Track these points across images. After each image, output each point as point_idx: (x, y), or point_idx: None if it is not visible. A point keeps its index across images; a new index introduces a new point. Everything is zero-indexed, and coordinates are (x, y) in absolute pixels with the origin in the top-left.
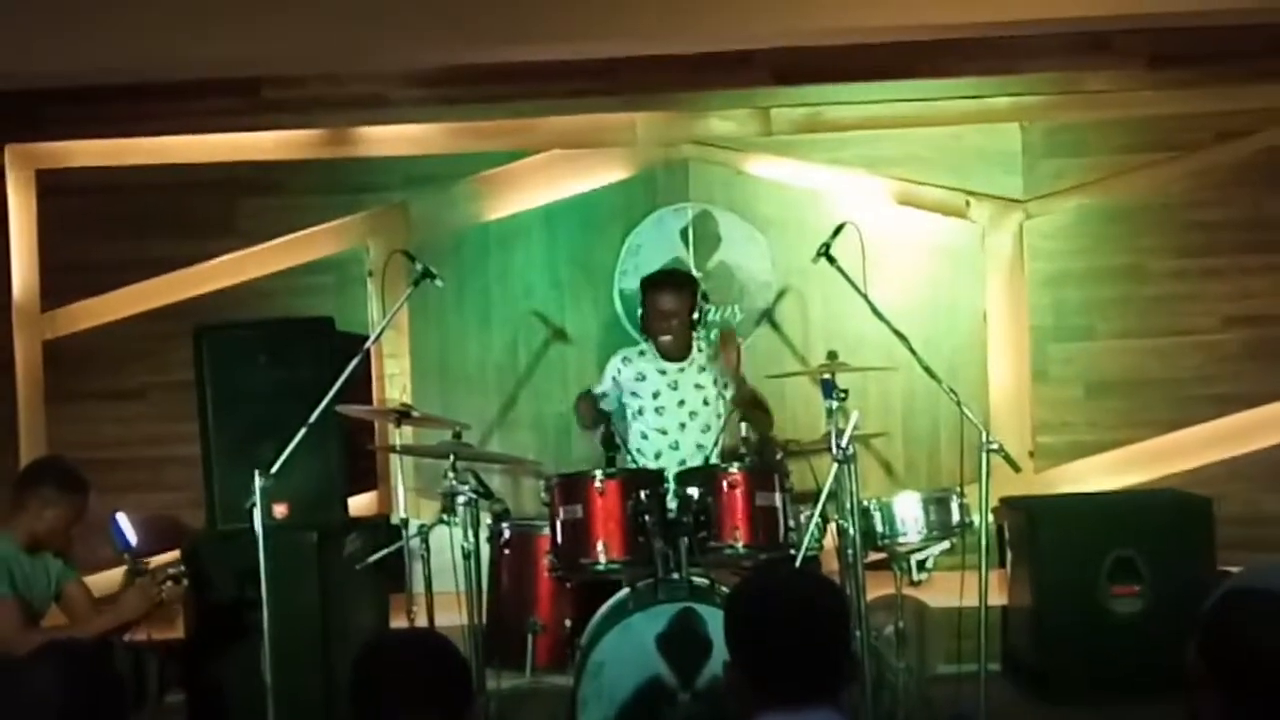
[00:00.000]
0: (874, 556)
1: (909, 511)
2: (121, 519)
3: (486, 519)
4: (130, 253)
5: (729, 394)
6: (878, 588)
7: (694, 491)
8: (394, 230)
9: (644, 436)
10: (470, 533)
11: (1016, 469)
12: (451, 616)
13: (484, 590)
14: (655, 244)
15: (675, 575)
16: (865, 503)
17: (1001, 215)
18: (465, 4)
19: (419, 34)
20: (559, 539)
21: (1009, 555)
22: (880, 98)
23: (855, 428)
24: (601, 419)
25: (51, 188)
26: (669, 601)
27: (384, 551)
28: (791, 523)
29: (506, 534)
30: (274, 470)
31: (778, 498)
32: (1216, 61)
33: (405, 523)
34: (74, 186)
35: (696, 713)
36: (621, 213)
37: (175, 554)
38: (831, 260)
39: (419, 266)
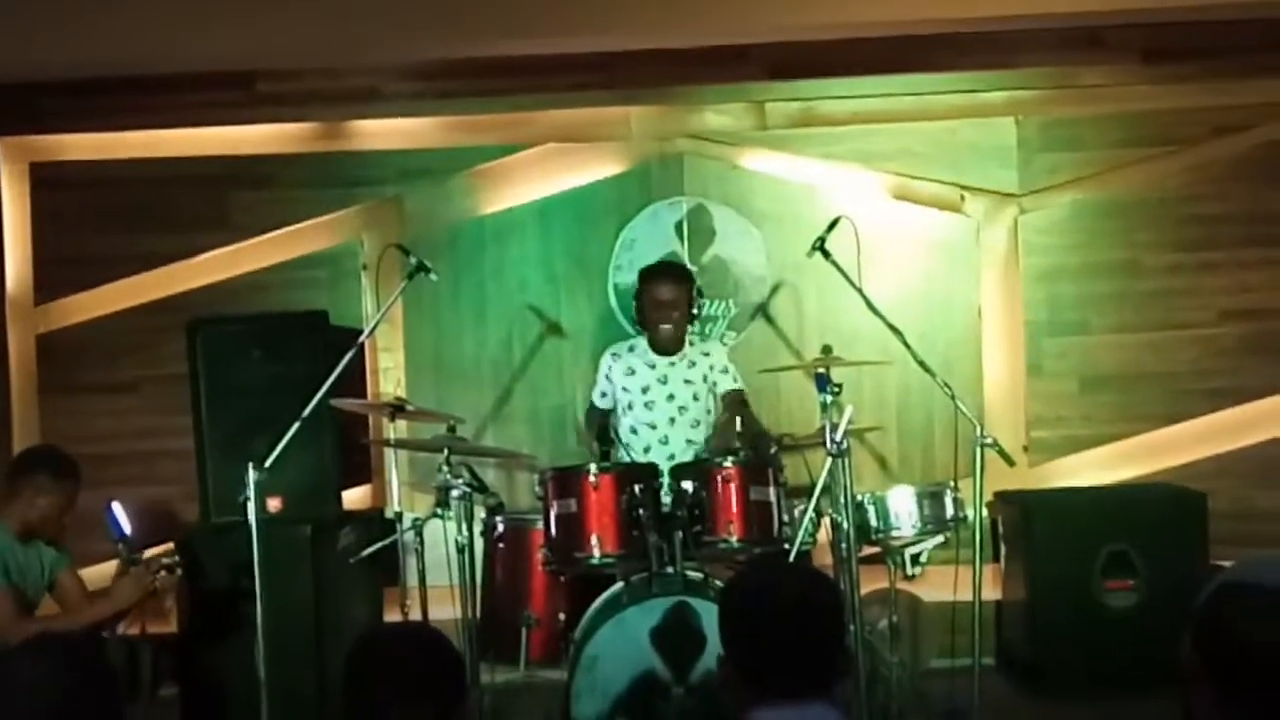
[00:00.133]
0: (868, 551)
1: (903, 506)
2: (116, 508)
3: (481, 513)
4: (124, 246)
5: (720, 389)
6: (872, 582)
7: (688, 486)
8: (388, 224)
9: (633, 431)
10: (464, 526)
11: (1011, 463)
12: (445, 610)
13: (478, 584)
14: (650, 238)
15: (669, 569)
16: (859, 497)
17: (996, 210)
18: None
19: (414, 28)
20: (553, 533)
21: (1003, 550)
22: (875, 92)
23: (849, 422)
24: (603, 430)
25: (45, 181)
26: (663, 595)
27: (378, 545)
28: (785, 517)
29: (501, 528)
30: (268, 464)
31: (772, 492)
32: (1212, 56)
33: (399, 516)
34: (68, 180)
35: (690, 707)
36: (616, 207)
37: (169, 545)
38: (826, 255)
39: (413, 260)
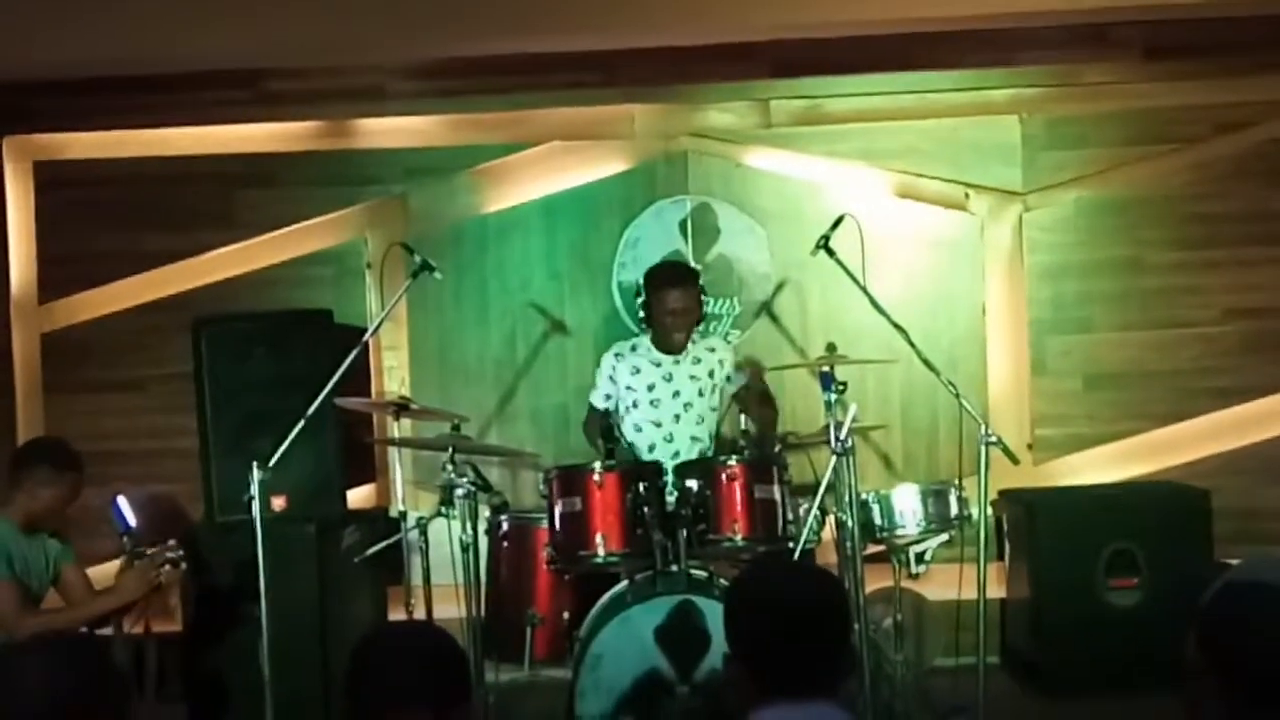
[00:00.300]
0: (872, 549)
1: (907, 504)
2: (122, 501)
3: (485, 511)
4: (129, 245)
5: (731, 387)
6: (876, 580)
7: (693, 484)
8: (392, 222)
9: (638, 429)
10: (469, 525)
11: (1015, 461)
12: (450, 609)
13: (482, 583)
14: (654, 236)
15: (674, 568)
16: (864, 495)
17: (1000, 208)
18: None
19: (419, 26)
20: (557, 531)
21: (1007, 548)
22: (879, 90)
23: (854, 420)
24: (607, 428)
25: (49, 180)
26: (668, 594)
27: (382, 544)
28: (790, 515)
29: (505, 526)
30: (272, 462)
31: (776, 490)
32: (1215, 53)
33: (403, 515)
34: (72, 178)
35: (695, 705)
36: (620, 205)
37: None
38: (830, 253)
39: (417, 259)
